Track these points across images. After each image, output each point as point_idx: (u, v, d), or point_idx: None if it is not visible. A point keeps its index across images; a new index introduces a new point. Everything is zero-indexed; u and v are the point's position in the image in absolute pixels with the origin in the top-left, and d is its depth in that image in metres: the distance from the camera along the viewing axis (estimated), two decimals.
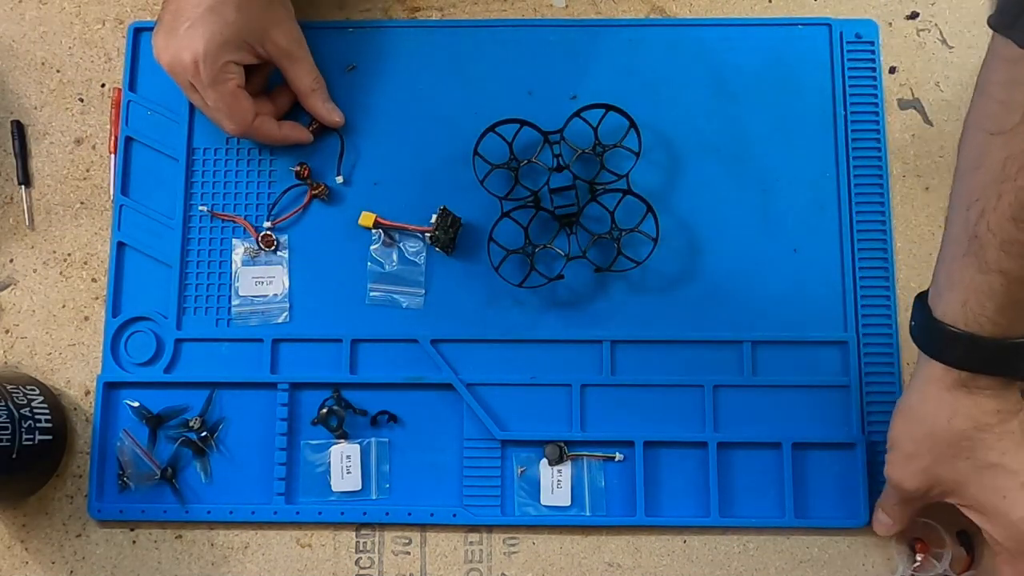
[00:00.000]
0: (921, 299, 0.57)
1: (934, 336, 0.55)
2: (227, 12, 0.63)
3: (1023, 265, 0.51)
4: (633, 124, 0.68)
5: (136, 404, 0.69)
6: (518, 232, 0.68)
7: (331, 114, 0.70)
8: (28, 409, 0.65)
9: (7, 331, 0.71)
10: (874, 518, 0.64)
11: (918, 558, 0.64)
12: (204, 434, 0.68)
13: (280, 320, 0.70)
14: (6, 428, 0.62)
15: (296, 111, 0.72)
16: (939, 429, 0.56)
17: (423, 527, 0.68)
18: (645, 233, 0.68)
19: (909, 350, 0.69)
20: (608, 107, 0.68)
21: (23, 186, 0.72)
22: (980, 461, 0.56)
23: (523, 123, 0.69)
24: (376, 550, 0.68)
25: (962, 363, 0.55)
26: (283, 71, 0.69)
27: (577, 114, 0.68)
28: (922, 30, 0.73)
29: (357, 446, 0.68)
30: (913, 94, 0.72)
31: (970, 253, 0.52)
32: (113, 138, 0.72)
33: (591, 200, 0.68)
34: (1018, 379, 0.55)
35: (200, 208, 0.71)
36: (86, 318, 0.71)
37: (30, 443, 0.64)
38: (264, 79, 0.70)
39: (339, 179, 0.71)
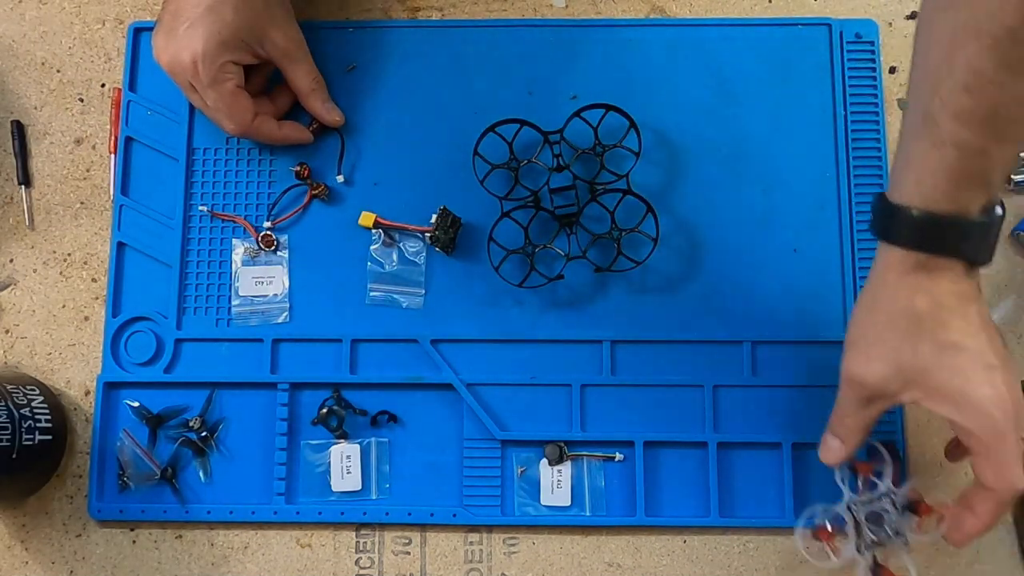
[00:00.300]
0: (878, 195, 0.56)
1: (890, 220, 0.54)
2: (226, 12, 0.63)
3: (976, 135, 0.50)
4: (633, 124, 0.68)
5: (136, 404, 0.69)
6: (518, 232, 0.68)
7: (330, 114, 0.70)
8: (28, 409, 0.65)
9: (7, 331, 0.71)
10: (821, 447, 0.61)
11: (860, 483, 0.62)
12: (204, 434, 0.68)
13: (280, 320, 0.70)
14: (6, 428, 0.62)
15: (297, 111, 0.72)
16: (900, 311, 0.54)
17: (423, 527, 0.68)
18: (645, 233, 0.68)
19: None
20: (608, 107, 0.68)
21: (23, 186, 0.72)
22: (941, 342, 0.54)
23: (523, 123, 0.69)
24: (376, 550, 0.68)
25: (919, 244, 0.53)
26: (283, 71, 0.69)
27: (577, 114, 0.68)
28: None
29: (357, 446, 0.68)
30: None
31: (924, 131, 0.52)
32: (113, 138, 0.72)
33: (591, 200, 0.68)
34: (976, 264, 0.54)
35: (200, 208, 0.71)
36: (86, 318, 0.71)
37: (30, 443, 0.64)
38: (264, 79, 0.70)
39: (339, 178, 0.71)
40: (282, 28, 0.67)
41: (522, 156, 0.69)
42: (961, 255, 0.53)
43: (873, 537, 0.60)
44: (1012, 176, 0.70)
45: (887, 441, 0.63)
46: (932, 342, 0.54)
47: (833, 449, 0.60)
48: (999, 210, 0.53)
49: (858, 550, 0.61)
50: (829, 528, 0.62)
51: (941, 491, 0.66)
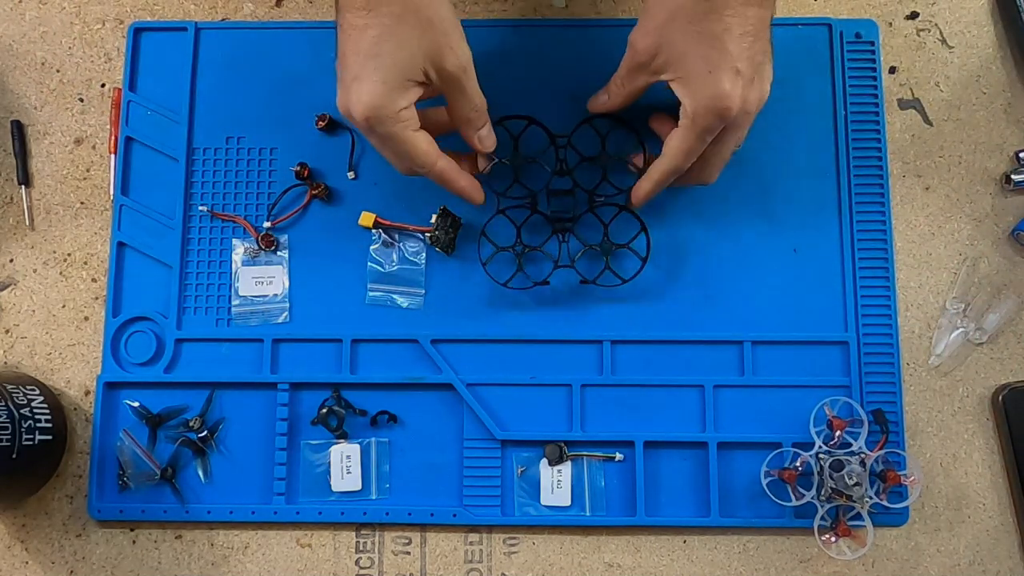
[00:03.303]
0: None
1: None
2: (388, 52, 0.57)
3: None
4: (641, 143, 0.67)
5: (136, 404, 0.69)
6: (511, 231, 0.68)
7: (484, 143, 0.64)
8: (28, 409, 0.65)
9: (7, 331, 0.71)
10: (592, 98, 0.67)
11: (835, 435, 0.65)
12: (204, 434, 0.68)
13: (280, 320, 0.70)
14: (6, 428, 0.62)
15: None
16: None
17: (423, 527, 0.68)
18: (635, 251, 0.67)
19: (909, 350, 0.69)
20: (619, 120, 0.67)
21: (23, 186, 0.72)
22: (707, 30, 0.57)
23: (531, 121, 0.68)
24: (376, 550, 0.68)
25: None
26: (447, 98, 0.62)
27: (588, 121, 0.68)
28: (922, 30, 0.73)
29: (357, 446, 0.68)
30: (913, 94, 0.73)
31: None
32: (113, 138, 0.72)
33: (588, 210, 0.68)
34: None
35: (200, 208, 0.71)
36: (86, 318, 0.71)
37: (30, 443, 0.64)
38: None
39: (351, 175, 0.71)
40: (454, 50, 0.59)
41: (525, 154, 0.68)
42: None
43: (833, 485, 0.63)
44: (1012, 176, 0.70)
45: (878, 409, 0.66)
46: (700, 28, 0.57)
47: (600, 101, 0.66)
48: None
49: (819, 498, 0.64)
50: (794, 469, 0.65)
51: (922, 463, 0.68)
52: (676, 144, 0.61)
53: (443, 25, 0.58)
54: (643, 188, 0.65)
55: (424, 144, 0.61)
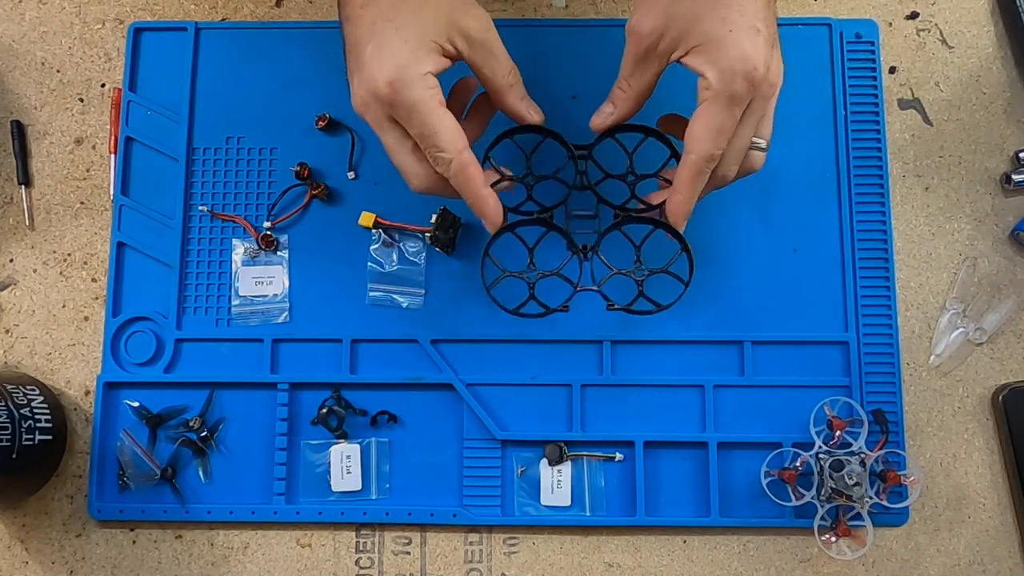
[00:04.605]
0: None
1: None
2: (407, 15, 0.53)
3: None
4: (675, 153, 0.61)
5: (136, 404, 0.69)
6: (521, 251, 0.63)
7: (530, 111, 0.59)
8: (28, 409, 0.65)
9: (7, 331, 0.71)
10: (594, 114, 0.60)
11: (835, 435, 0.65)
12: (204, 434, 0.68)
13: (280, 320, 0.70)
14: (6, 428, 0.62)
15: None
16: None
17: (423, 527, 0.68)
18: (674, 275, 0.62)
19: (909, 350, 0.69)
20: (648, 131, 0.62)
21: (23, 186, 0.72)
22: None
23: (547, 134, 0.61)
24: (376, 550, 0.68)
25: None
26: (474, 69, 0.57)
27: (612, 136, 0.62)
28: (922, 30, 0.73)
29: (357, 446, 0.68)
30: (913, 94, 0.73)
31: None
32: (113, 138, 0.72)
33: (615, 227, 0.62)
34: None
35: (200, 208, 0.71)
36: (86, 318, 0.71)
37: (30, 443, 0.64)
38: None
39: (351, 175, 0.71)
40: (472, 12, 0.55)
41: (539, 169, 0.62)
42: None
43: (833, 485, 0.63)
44: (1012, 176, 0.70)
45: (878, 409, 0.66)
46: None
47: (604, 113, 0.59)
48: None
49: (819, 498, 0.64)
50: (794, 469, 0.65)
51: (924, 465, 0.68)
52: (702, 125, 0.54)
53: None
54: (678, 199, 0.57)
55: (451, 123, 0.54)
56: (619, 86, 0.59)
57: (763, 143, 0.58)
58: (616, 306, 0.61)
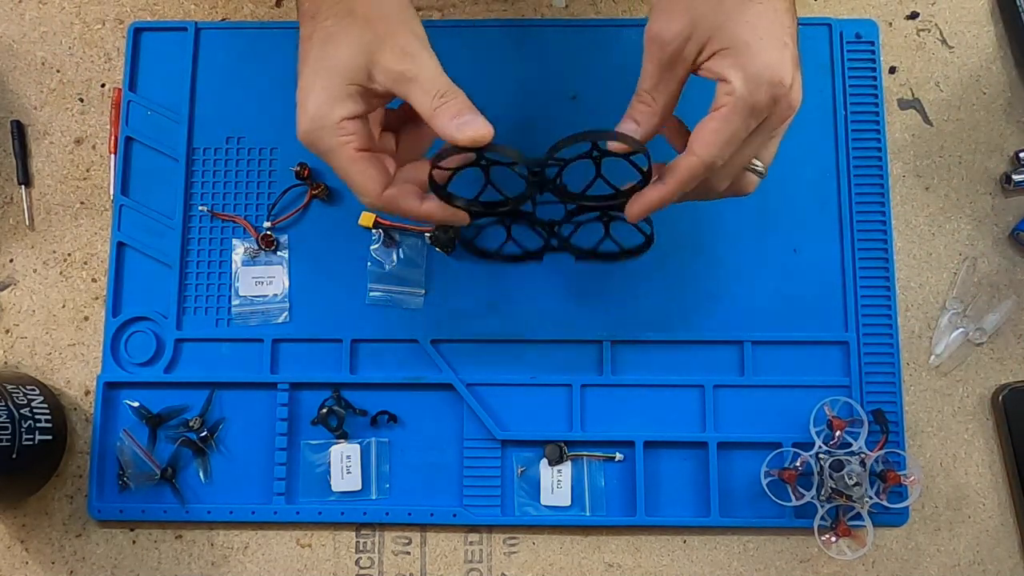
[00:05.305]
0: None
1: None
2: (328, 57, 0.52)
3: None
4: (644, 149, 0.55)
5: (136, 404, 0.69)
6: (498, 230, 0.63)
7: (463, 130, 0.52)
8: (28, 409, 0.65)
9: (7, 331, 0.71)
10: (616, 131, 0.54)
11: (835, 435, 0.65)
12: (204, 434, 0.68)
13: (280, 320, 0.70)
14: (6, 428, 0.62)
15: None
16: None
17: (423, 527, 0.68)
18: (639, 228, 0.60)
19: (909, 350, 0.69)
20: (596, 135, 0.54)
21: (23, 186, 0.72)
22: None
23: (489, 159, 0.55)
24: (376, 550, 0.68)
25: None
26: (405, 99, 0.53)
27: (582, 147, 0.54)
28: (922, 30, 0.73)
29: (357, 446, 0.68)
30: (913, 94, 0.73)
31: None
32: (113, 138, 0.72)
33: (581, 211, 0.60)
34: None
35: (200, 208, 0.71)
36: (86, 318, 0.71)
37: (30, 443, 0.64)
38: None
39: None
40: (396, 41, 0.52)
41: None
42: None
43: (833, 485, 0.63)
44: (1012, 176, 0.70)
45: (878, 409, 0.66)
46: None
47: (627, 131, 0.54)
48: None
49: (819, 498, 0.64)
50: (794, 469, 0.65)
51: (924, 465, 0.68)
52: (714, 130, 0.51)
53: (384, 19, 0.52)
54: (659, 191, 0.54)
55: (365, 168, 0.53)
56: (641, 100, 0.54)
57: (761, 167, 0.56)
58: (583, 251, 0.61)
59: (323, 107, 0.52)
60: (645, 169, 0.54)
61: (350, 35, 0.52)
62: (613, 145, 0.53)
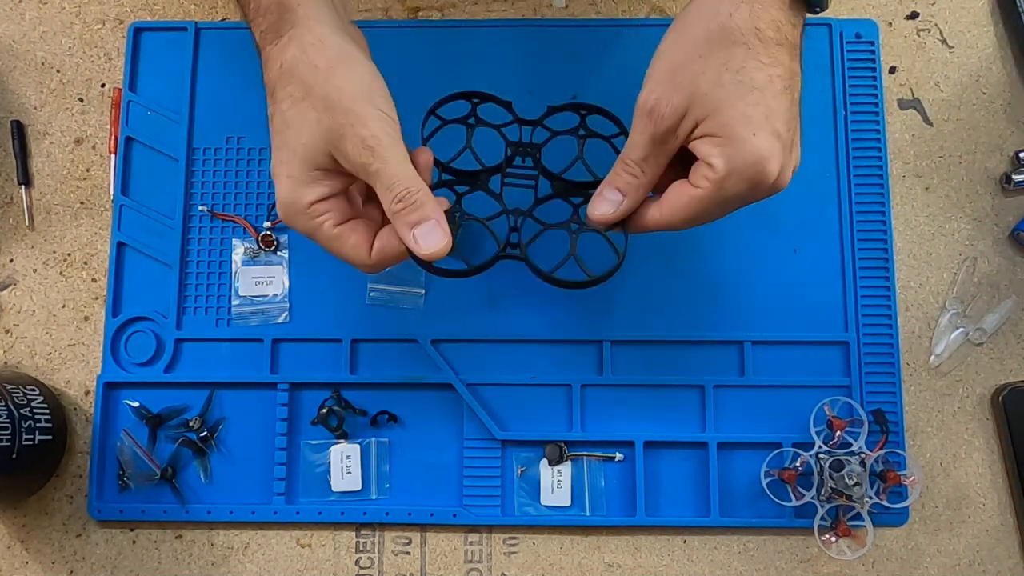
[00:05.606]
0: None
1: None
2: (290, 142, 0.51)
3: None
4: (624, 132, 0.58)
5: (136, 404, 0.69)
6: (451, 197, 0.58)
7: (417, 244, 0.51)
8: (28, 409, 0.65)
9: (7, 331, 0.71)
10: (593, 202, 0.54)
11: (835, 435, 0.65)
12: (204, 434, 0.68)
13: (280, 320, 0.70)
14: (6, 428, 0.62)
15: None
16: (717, 26, 0.49)
17: (423, 527, 0.68)
18: (611, 242, 0.56)
19: (909, 350, 0.69)
20: (600, 111, 0.59)
21: (23, 186, 0.72)
22: (746, 80, 0.49)
23: (486, 98, 0.57)
24: (376, 550, 0.68)
25: None
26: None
27: (575, 108, 0.59)
28: (922, 30, 0.73)
29: (357, 446, 0.68)
30: (913, 94, 0.73)
31: None
32: (113, 138, 0.72)
33: (553, 196, 0.58)
34: (806, 9, 0.52)
35: (200, 208, 0.71)
36: (86, 318, 0.71)
37: (30, 443, 0.64)
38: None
39: None
40: (355, 128, 0.49)
41: (483, 135, 0.58)
42: None
43: (833, 485, 0.63)
44: (1012, 176, 0.70)
45: (878, 409, 0.66)
46: (739, 75, 0.49)
47: (611, 201, 0.53)
48: None
49: (819, 498, 0.64)
50: (794, 469, 0.65)
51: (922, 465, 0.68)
52: (685, 206, 0.51)
53: (344, 101, 0.49)
54: (610, 214, 0.53)
55: (346, 239, 0.52)
56: (628, 171, 0.53)
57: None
58: (542, 275, 0.54)
59: (291, 193, 0.51)
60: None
61: (307, 121, 0.50)
62: (592, 219, 0.54)
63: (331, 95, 0.50)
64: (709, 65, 0.50)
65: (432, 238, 0.51)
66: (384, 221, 0.53)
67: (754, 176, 0.50)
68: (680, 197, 0.51)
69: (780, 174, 0.50)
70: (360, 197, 0.55)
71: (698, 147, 0.51)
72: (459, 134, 0.59)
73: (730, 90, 0.49)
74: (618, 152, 0.54)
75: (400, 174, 0.50)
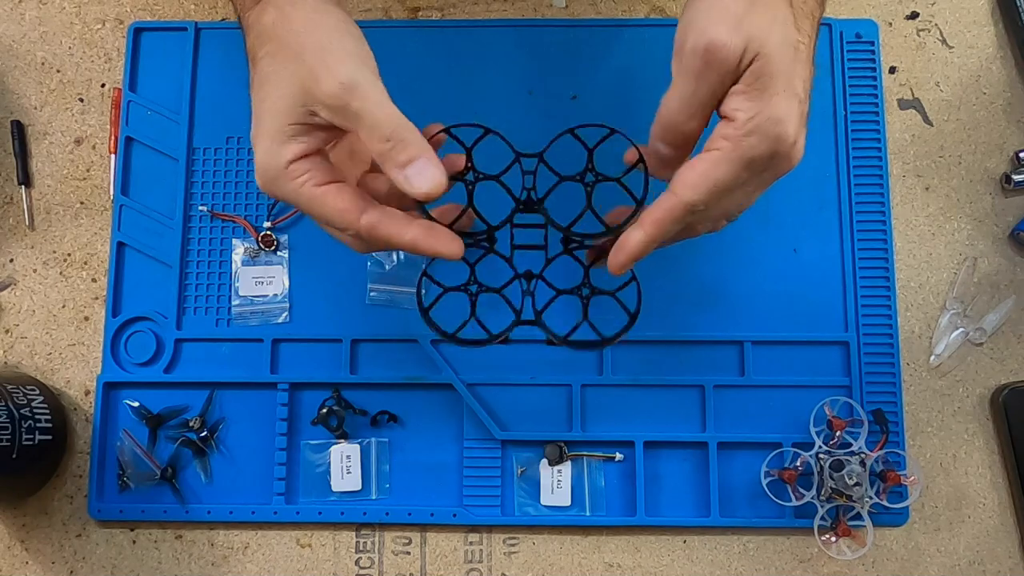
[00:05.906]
0: None
1: None
2: (267, 100, 0.48)
3: None
4: (642, 159, 0.52)
5: (136, 404, 0.69)
6: (462, 266, 0.55)
7: (410, 183, 0.48)
8: (28, 409, 0.65)
9: (7, 331, 0.71)
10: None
11: (835, 435, 0.65)
12: (204, 434, 0.68)
13: (280, 320, 0.70)
14: (6, 428, 0.62)
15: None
16: None
17: (423, 527, 0.68)
18: (621, 303, 0.54)
19: (909, 350, 0.69)
20: (613, 130, 0.53)
21: (23, 186, 0.72)
22: (790, 37, 0.47)
23: (487, 130, 0.53)
24: (376, 550, 0.68)
25: None
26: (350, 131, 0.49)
27: (571, 132, 0.54)
28: (922, 30, 0.73)
29: (357, 446, 0.68)
30: (913, 94, 0.73)
31: None
32: (113, 138, 0.72)
33: (563, 253, 0.55)
34: None
35: (200, 208, 0.71)
36: (86, 318, 0.71)
37: (30, 443, 0.64)
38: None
39: None
40: (330, 71, 0.47)
41: (483, 169, 0.53)
42: None
43: (833, 485, 0.63)
44: (1012, 176, 0.70)
45: (878, 409, 0.66)
46: (784, 31, 0.46)
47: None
48: None
49: (819, 498, 0.64)
50: (794, 469, 0.65)
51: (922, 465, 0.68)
52: (702, 174, 0.47)
53: (315, 49, 0.47)
54: (638, 237, 0.49)
55: (334, 199, 0.48)
56: (677, 110, 0.48)
57: (737, 214, 0.52)
58: (556, 339, 0.54)
59: (268, 155, 0.48)
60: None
61: (282, 73, 0.48)
62: (629, 154, 0.51)
63: (304, 42, 0.47)
64: (763, 9, 0.46)
65: (425, 175, 0.47)
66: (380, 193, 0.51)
67: (776, 137, 0.46)
68: (695, 168, 0.47)
69: (796, 142, 0.47)
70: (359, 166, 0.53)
71: (731, 100, 0.47)
72: (459, 192, 0.53)
73: (778, 39, 0.46)
74: (630, 192, 0.52)
75: (383, 113, 0.47)
